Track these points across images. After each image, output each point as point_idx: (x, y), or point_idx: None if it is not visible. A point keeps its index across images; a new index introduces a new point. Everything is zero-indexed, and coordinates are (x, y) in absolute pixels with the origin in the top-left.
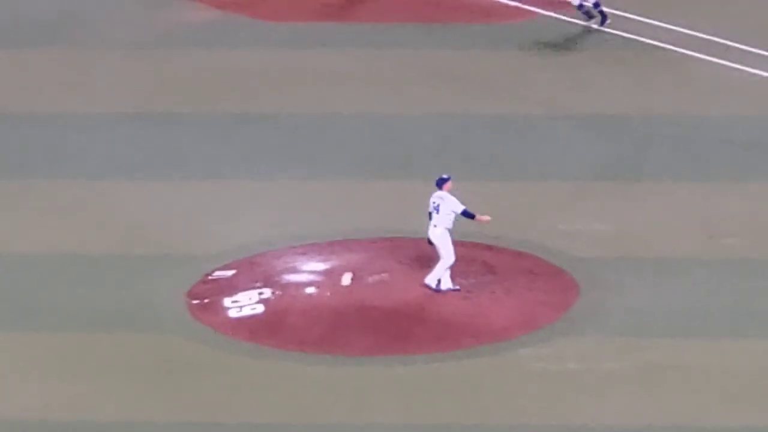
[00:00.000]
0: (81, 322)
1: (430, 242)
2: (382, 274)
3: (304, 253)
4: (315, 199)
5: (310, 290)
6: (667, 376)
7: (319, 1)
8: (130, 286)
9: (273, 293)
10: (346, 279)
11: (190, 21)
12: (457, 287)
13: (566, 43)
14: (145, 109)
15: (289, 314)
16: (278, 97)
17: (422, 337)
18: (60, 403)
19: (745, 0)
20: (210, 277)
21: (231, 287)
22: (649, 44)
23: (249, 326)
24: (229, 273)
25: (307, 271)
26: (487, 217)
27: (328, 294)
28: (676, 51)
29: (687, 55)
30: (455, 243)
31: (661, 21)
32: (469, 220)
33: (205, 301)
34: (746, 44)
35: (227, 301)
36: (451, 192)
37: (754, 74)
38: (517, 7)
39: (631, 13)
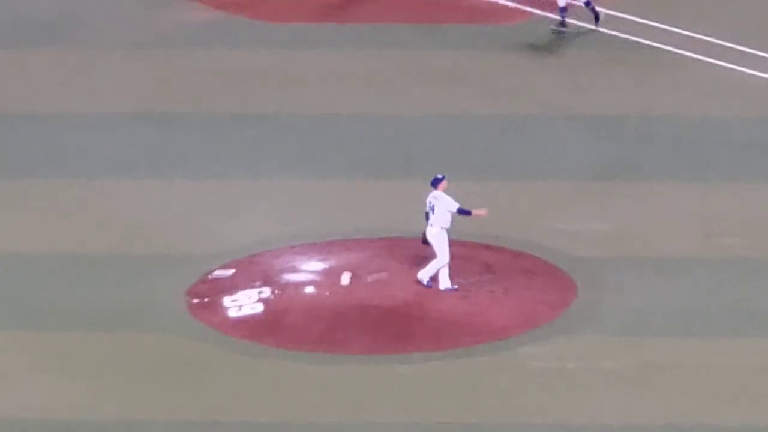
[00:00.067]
0: (81, 321)
1: (424, 241)
2: (381, 274)
3: (303, 253)
4: (314, 199)
5: (310, 290)
6: (666, 375)
7: (319, 2)
8: (130, 286)
9: (272, 293)
10: (345, 278)
11: (190, 21)
12: (456, 287)
13: (565, 43)
14: (145, 109)
15: (288, 313)
16: (278, 97)
17: (421, 336)
18: (60, 402)
19: (744, 1)
20: (209, 277)
21: (231, 287)
22: (648, 45)
23: (248, 325)
24: (229, 272)
25: (307, 271)
26: (483, 211)
27: (327, 293)
28: (675, 52)
29: (686, 56)
30: (453, 243)
31: (660, 22)
32: (469, 218)
33: (205, 300)
34: (745, 45)
35: (227, 301)
36: (449, 191)
37: (753, 75)
38: (515, 8)
39: (630, 15)
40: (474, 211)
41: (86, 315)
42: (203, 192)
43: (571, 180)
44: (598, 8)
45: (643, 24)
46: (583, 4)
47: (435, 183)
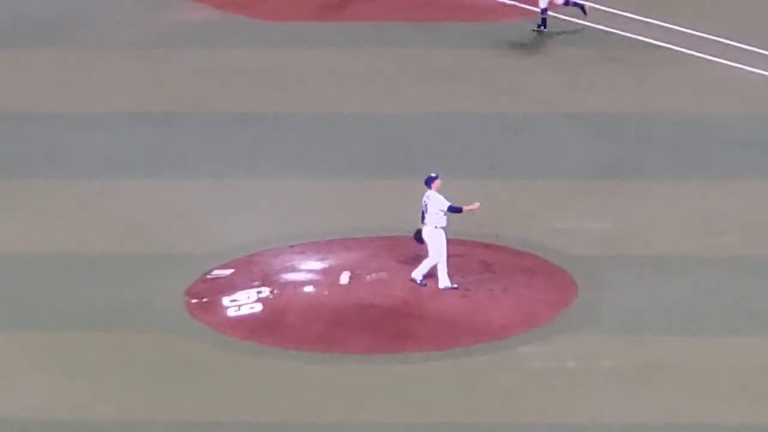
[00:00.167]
0: (81, 321)
1: (417, 240)
2: (381, 273)
3: (302, 252)
4: (314, 199)
5: (309, 289)
6: (666, 374)
7: (319, 1)
8: (130, 286)
9: (271, 292)
10: (345, 278)
11: (189, 21)
12: (455, 286)
13: (565, 42)
14: (145, 109)
15: (287, 313)
16: (277, 96)
17: (421, 336)
18: (60, 402)
19: None
20: (209, 277)
21: (230, 286)
22: (647, 43)
23: (248, 325)
24: (228, 272)
25: (306, 270)
26: (474, 205)
27: (327, 293)
28: (674, 50)
29: (685, 54)
30: (452, 242)
31: (659, 20)
32: (469, 215)
33: (204, 300)
34: (744, 43)
35: (226, 301)
36: (447, 190)
37: (753, 73)
38: (515, 6)
39: (629, 12)
40: (465, 207)
41: (86, 315)
42: (203, 192)
43: (571, 179)
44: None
45: (643, 22)
46: (562, 5)
47: (428, 182)
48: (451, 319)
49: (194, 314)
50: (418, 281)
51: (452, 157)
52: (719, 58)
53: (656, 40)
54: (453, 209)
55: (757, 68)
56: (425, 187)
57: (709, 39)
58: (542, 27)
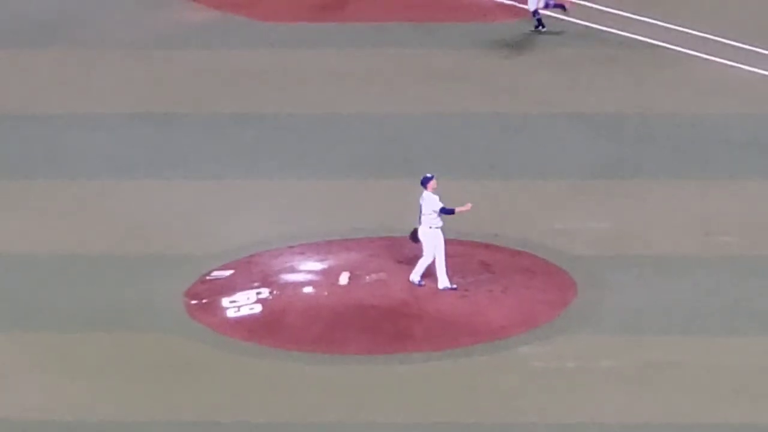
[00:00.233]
0: (81, 322)
1: (413, 239)
2: (380, 274)
3: (301, 253)
4: (314, 199)
5: (308, 290)
6: (665, 374)
7: (318, 1)
8: (130, 286)
9: (271, 293)
10: (344, 278)
11: (189, 21)
12: (455, 286)
13: (564, 41)
14: (145, 109)
15: (287, 314)
16: (277, 96)
17: (420, 336)
18: (60, 402)
19: None
20: (208, 277)
21: (229, 287)
22: (647, 43)
23: (247, 326)
24: (227, 273)
25: (305, 271)
26: (467, 206)
27: (326, 293)
28: (673, 49)
29: (685, 53)
30: (452, 242)
31: (658, 20)
32: (468, 215)
33: (204, 301)
34: (743, 42)
35: (225, 301)
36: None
37: (752, 72)
38: (513, 6)
39: (629, 12)
40: (457, 209)
41: (86, 315)
42: (203, 192)
43: (571, 179)
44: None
45: (643, 22)
46: (543, 8)
47: (424, 182)
48: (450, 319)
49: (194, 315)
50: (416, 282)
51: (452, 157)
52: (719, 57)
53: (656, 40)
54: (445, 211)
55: (757, 68)
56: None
57: (709, 39)
58: (540, 27)
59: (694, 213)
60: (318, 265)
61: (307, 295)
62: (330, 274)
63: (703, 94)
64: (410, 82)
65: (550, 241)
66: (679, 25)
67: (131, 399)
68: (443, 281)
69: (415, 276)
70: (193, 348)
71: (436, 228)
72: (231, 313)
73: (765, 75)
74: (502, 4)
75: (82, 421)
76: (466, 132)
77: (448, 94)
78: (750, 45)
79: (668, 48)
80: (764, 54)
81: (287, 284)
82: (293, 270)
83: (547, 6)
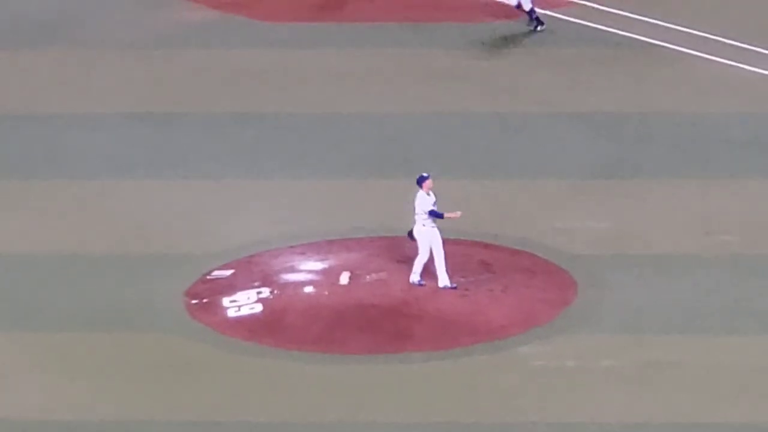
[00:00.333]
0: (81, 322)
1: (410, 238)
2: (380, 273)
3: (302, 253)
4: (314, 199)
5: (309, 289)
6: (666, 373)
7: (317, 2)
8: (130, 286)
9: (271, 293)
10: (344, 278)
11: (189, 21)
12: (455, 285)
13: (564, 41)
14: (145, 109)
15: (287, 313)
16: (277, 96)
17: (420, 336)
18: (60, 402)
19: None
20: (208, 277)
21: (229, 287)
22: (646, 42)
23: (248, 326)
24: (228, 273)
25: (306, 271)
26: (456, 214)
27: (327, 293)
28: (673, 49)
29: (685, 52)
30: (450, 241)
31: (658, 19)
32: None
33: (204, 300)
34: (744, 42)
35: (226, 301)
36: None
37: (752, 72)
38: (514, 6)
39: (629, 12)
40: (446, 214)
41: (86, 315)
42: (203, 192)
43: (571, 179)
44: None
45: (643, 21)
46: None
47: (419, 181)
48: (450, 318)
49: (194, 315)
50: (416, 282)
51: (452, 157)
52: (719, 57)
53: (656, 39)
54: (434, 214)
55: (757, 67)
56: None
57: (709, 38)
58: (538, 26)
59: (694, 212)
60: (318, 265)
61: (308, 294)
62: (330, 274)
63: (703, 94)
64: (410, 82)
65: (550, 241)
66: (679, 25)
67: (131, 399)
68: (443, 280)
69: (415, 276)
70: (193, 348)
71: (431, 227)
72: (231, 313)
73: (765, 74)
74: (502, 4)
75: (82, 421)
76: (466, 132)
77: (448, 94)
78: (750, 44)
79: (668, 47)
80: (764, 53)
81: (287, 284)
82: (293, 270)
83: (519, 7)
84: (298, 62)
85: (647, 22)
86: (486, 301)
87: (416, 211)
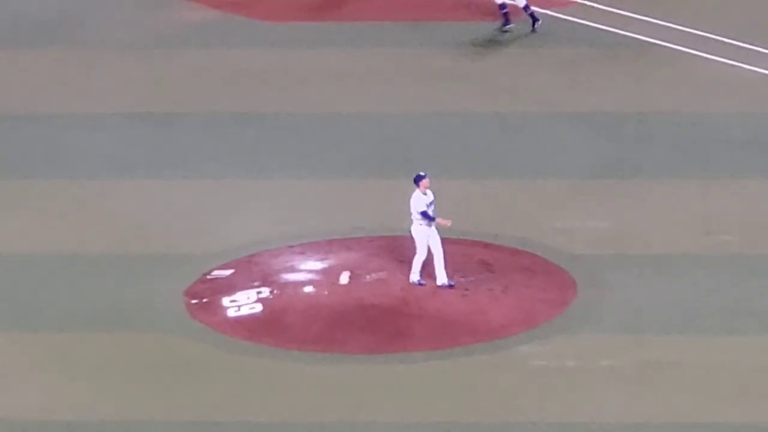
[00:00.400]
0: (81, 321)
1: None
2: (380, 273)
3: (302, 252)
4: (314, 199)
5: (309, 289)
6: (666, 373)
7: (316, 2)
8: (130, 286)
9: (271, 292)
10: (344, 278)
11: (189, 21)
12: (452, 282)
13: (564, 41)
14: (145, 109)
15: (287, 313)
16: (277, 96)
17: (420, 335)
18: (60, 402)
19: None
20: (208, 277)
21: (229, 287)
22: (646, 42)
23: (247, 325)
24: (228, 272)
25: (306, 270)
26: (447, 222)
27: (327, 293)
28: (673, 48)
29: (685, 52)
30: (450, 241)
31: (658, 18)
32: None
33: (204, 300)
34: (744, 41)
35: (226, 301)
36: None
37: (752, 71)
38: (514, 6)
39: (629, 12)
40: (438, 220)
41: (86, 315)
42: (203, 192)
43: (571, 178)
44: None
45: (642, 21)
46: (522, 8)
47: (416, 180)
48: (450, 318)
49: (194, 314)
50: (417, 282)
51: (452, 157)
52: (719, 56)
53: (656, 39)
54: (425, 215)
55: (757, 67)
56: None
57: (709, 37)
58: (508, 25)
59: (694, 212)
60: (318, 265)
61: (308, 294)
62: (330, 274)
63: (704, 93)
64: (410, 82)
65: (550, 241)
66: (679, 24)
67: (131, 399)
68: (441, 278)
69: (414, 276)
70: (193, 348)
71: (428, 225)
72: (231, 313)
73: (765, 74)
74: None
75: (82, 421)
76: (466, 132)
77: (448, 94)
78: (750, 44)
79: (668, 47)
80: (764, 53)
81: (287, 284)
82: (293, 269)
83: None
84: (298, 62)
85: (647, 21)
86: (486, 300)
87: (411, 210)
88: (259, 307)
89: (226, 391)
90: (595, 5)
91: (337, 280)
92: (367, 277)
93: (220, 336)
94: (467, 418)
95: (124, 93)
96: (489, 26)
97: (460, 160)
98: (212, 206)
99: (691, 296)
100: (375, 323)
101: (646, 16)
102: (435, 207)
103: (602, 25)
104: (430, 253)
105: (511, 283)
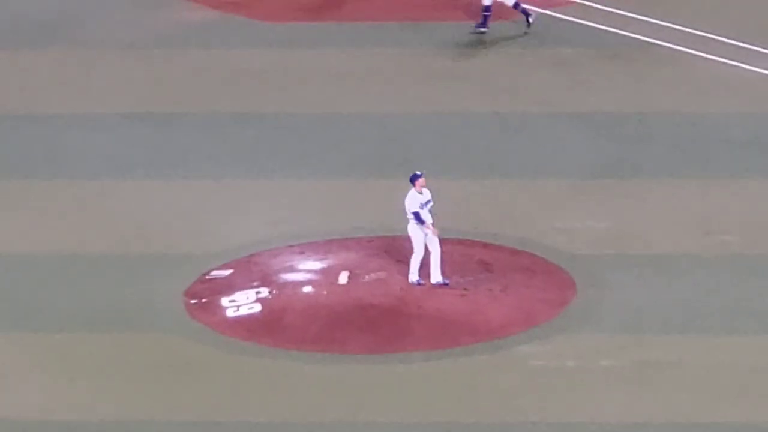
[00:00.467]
0: (81, 321)
1: None
2: (380, 273)
3: (301, 252)
4: (314, 199)
5: (308, 289)
6: (666, 373)
7: (316, 2)
8: (130, 286)
9: (270, 292)
10: (344, 278)
11: (189, 21)
12: (447, 281)
13: (564, 41)
14: (145, 109)
15: (286, 313)
16: (277, 96)
17: (420, 335)
18: (60, 402)
19: None
20: (207, 277)
21: (228, 287)
22: (646, 42)
23: (247, 325)
24: (227, 272)
25: (305, 270)
26: (436, 231)
27: (326, 293)
28: (674, 49)
29: (684, 52)
30: (450, 241)
31: (658, 18)
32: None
33: (203, 300)
34: (744, 41)
35: (225, 301)
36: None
37: (752, 71)
38: (501, 8)
39: (629, 12)
40: (427, 225)
41: (86, 315)
42: (202, 192)
43: (571, 179)
44: (527, 8)
45: (642, 21)
46: (512, 6)
47: (412, 180)
48: (450, 318)
49: (194, 314)
50: (416, 281)
51: (452, 157)
52: (719, 56)
53: (656, 39)
54: (416, 216)
55: (758, 67)
56: (427, 186)
57: (709, 37)
58: (529, 19)
59: (694, 212)
60: (317, 265)
61: (307, 294)
62: (329, 274)
63: (703, 93)
64: (410, 82)
65: (550, 241)
66: (679, 24)
67: (131, 399)
68: (435, 276)
69: (413, 276)
70: (193, 348)
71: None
72: (230, 313)
73: (765, 74)
74: (501, 4)
75: (82, 421)
76: (466, 132)
77: (448, 94)
78: (750, 44)
79: (668, 47)
80: (764, 53)
81: (287, 284)
82: (293, 269)
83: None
84: (298, 62)
85: (647, 21)
86: (486, 300)
87: (406, 209)
88: (258, 307)
89: (225, 391)
90: (595, 5)
91: (337, 280)
92: (367, 277)
93: (220, 336)
94: (467, 418)
95: (124, 93)
96: (489, 26)
97: (460, 160)
98: (212, 206)
99: (691, 296)
100: (374, 323)
101: (646, 16)
102: (433, 207)
103: (602, 25)
104: (427, 251)
105: (510, 283)
